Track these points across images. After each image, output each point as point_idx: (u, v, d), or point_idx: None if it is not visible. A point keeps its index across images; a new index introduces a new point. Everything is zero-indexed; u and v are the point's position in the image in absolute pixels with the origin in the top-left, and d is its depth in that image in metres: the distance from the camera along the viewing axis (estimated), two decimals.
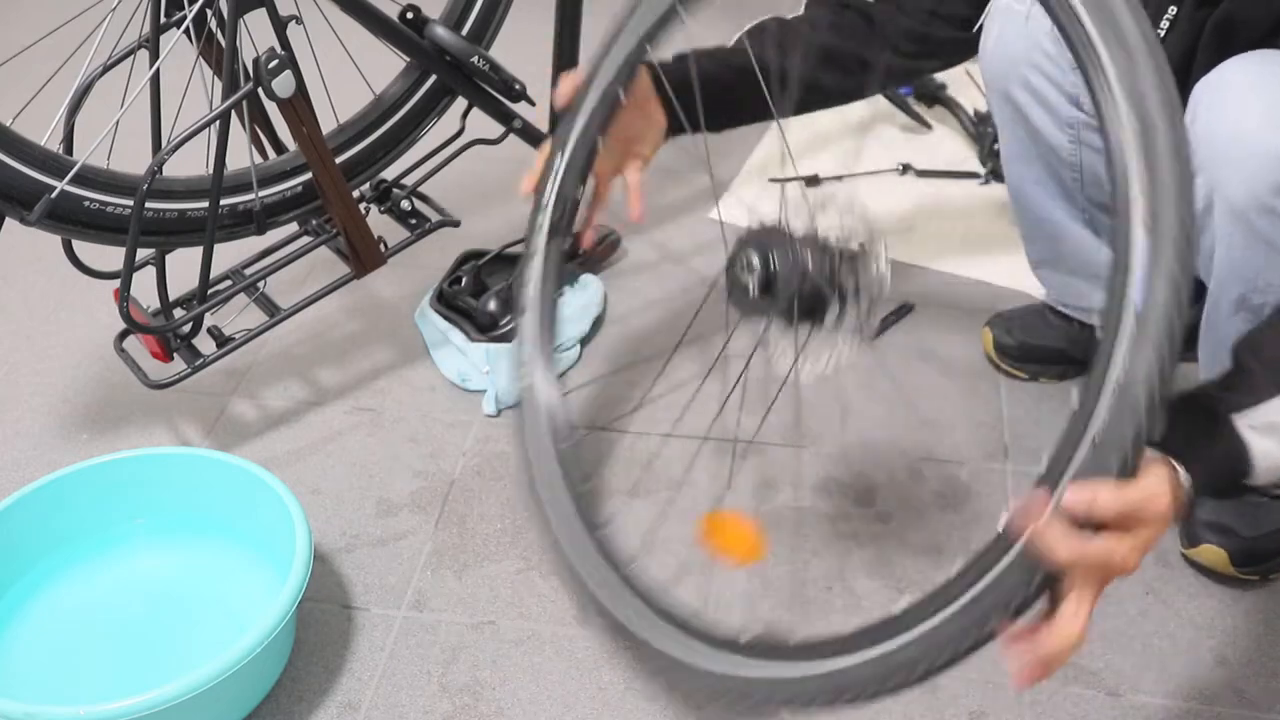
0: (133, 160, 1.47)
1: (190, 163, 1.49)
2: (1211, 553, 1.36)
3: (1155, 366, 0.82)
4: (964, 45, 1.48)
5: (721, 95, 1.35)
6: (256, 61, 1.40)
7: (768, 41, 1.37)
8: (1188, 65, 1.25)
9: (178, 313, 1.56)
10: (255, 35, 1.45)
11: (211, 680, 1.15)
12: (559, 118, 1.30)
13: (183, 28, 1.45)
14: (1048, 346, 1.65)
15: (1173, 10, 1.26)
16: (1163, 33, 1.27)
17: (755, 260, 1.09)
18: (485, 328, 1.75)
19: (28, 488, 1.37)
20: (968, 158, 2.17)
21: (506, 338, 1.73)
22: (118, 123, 1.44)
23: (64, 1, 1.48)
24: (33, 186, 1.37)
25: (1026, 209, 1.58)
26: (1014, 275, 1.80)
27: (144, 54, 1.47)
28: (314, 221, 1.68)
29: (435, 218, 1.69)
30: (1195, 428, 0.94)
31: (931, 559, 1.42)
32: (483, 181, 2.13)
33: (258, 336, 1.61)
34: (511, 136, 1.73)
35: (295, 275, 1.83)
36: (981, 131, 2.15)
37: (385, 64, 1.63)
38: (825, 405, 1.63)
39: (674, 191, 2.14)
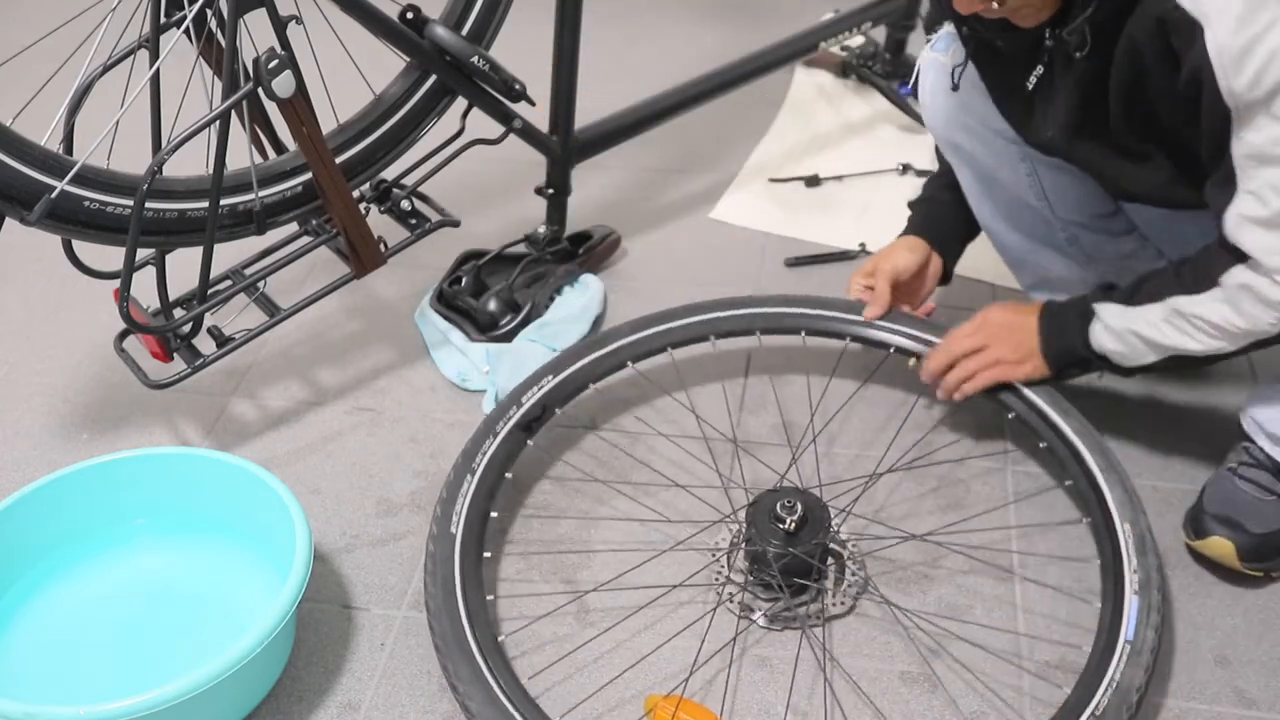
0: (133, 160, 1.47)
1: (190, 163, 1.49)
2: (1219, 545, 1.36)
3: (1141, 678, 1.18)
4: None
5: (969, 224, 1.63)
6: (256, 61, 1.40)
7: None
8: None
9: (178, 313, 1.56)
10: (255, 35, 1.45)
11: (211, 680, 1.15)
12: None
13: (183, 28, 1.45)
14: None
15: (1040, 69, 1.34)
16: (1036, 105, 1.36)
17: (796, 505, 1.32)
18: (485, 328, 1.75)
19: (28, 488, 1.36)
20: None
21: (507, 337, 1.73)
22: (118, 123, 1.44)
23: (64, 1, 1.48)
24: (33, 186, 1.37)
25: (1005, 247, 1.61)
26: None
27: (144, 54, 1.47)
28: (314, 221, 1.68)
29: (435, 218, 1.69)
30: (1068, 308, 1.39)
31: (931, 558, 1.42)
32: (483, 181, 2.13)
33: (258, 336, 1.60)
34: (511, 136, 1.73)
35: (295, 275, 1.83)
36: None
37: (385, 64, 1.63)
38: (826, 407, 1.63)
39: (674, 191, 2.14)
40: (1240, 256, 1.21)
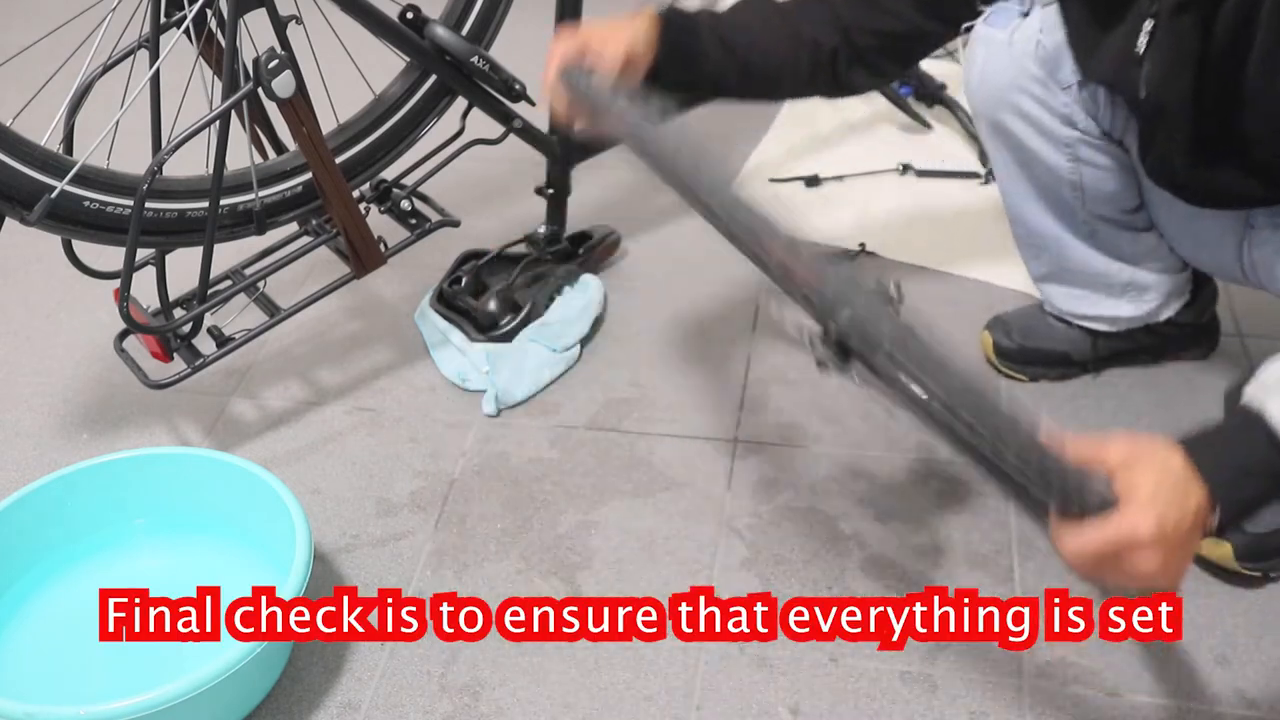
0: (133, 160, 1.47)
1: (190, 163, 1.49)
2: (1217, 545, 1.35)
3: None
4: (936, 38, 1.39)
5: (700, 74, 1.36)
6: (256, 61, 1.40)
7: (755, 21, 1.35)
8: (1195, 67, 1.18)
9: (178, 313, 1.56)
10: (255, 35, 1.45)
11: (212, 680, 1.15)
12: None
13: (183, 28, 1.46)
14: (1048, 350, 1.65)
15: (1149, 25, 1.20)
16: (1142, 48, 1.21)
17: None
18: (485, 328, 1.75)
19: (28, 488, 1.37)
20: (968, 157, 2.17)
21: (507, 338, 1.73)
22: (118, 123, 1.44)
23: (64, 1, 1.48)
24: (33, 186, 1.37)
25: (1029, 230, 1.58)
26: (1014, 276, 1.80)
27: (144, 54, 1.47)
28: (314, 221, 1.68)
29: (435, 218, 1.69)
30: (1214, 437, 0.99)
31: (932, 559, 1.42)
32: (483, 181, 2.13)
33: (258, 336, 1.61)
34: (511, 136, 1.73)
35: (295, 275, 1.83)
36: None
37: (385, 64, 1.63)
38: (827, 406, 1.63)
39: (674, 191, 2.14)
40: None
